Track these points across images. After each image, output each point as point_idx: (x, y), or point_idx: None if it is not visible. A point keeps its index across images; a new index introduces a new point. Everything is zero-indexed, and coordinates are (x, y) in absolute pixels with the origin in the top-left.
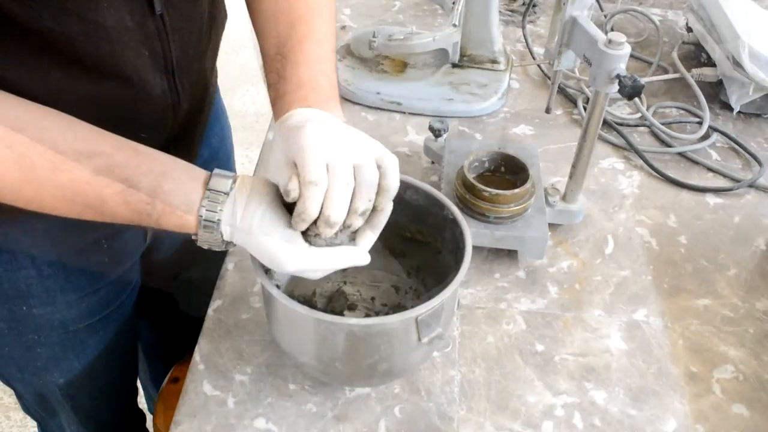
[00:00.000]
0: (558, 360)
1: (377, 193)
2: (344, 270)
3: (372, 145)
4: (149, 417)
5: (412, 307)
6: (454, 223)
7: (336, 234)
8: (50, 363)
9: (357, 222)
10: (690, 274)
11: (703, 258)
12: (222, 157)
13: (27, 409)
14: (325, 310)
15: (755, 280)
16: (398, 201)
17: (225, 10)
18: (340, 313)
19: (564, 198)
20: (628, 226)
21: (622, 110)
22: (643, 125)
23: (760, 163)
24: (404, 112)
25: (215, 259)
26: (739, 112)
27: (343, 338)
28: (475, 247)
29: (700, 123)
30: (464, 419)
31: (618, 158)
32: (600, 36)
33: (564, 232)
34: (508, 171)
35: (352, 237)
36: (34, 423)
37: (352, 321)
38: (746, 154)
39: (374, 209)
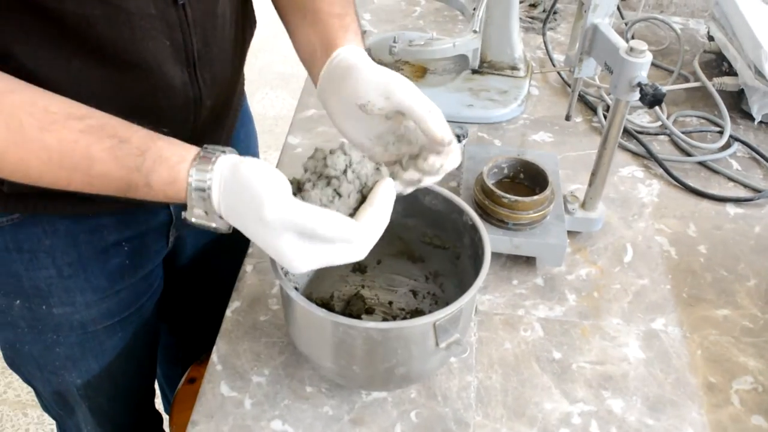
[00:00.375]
0: (575, 368)
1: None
2: (363, 273)
3: None
4: (165, 418)
5: (430, 312)
6: (473, 228)
7: (332, 198)
8: (68, 363)
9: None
10: (709, 283)
11: (723, 268)
12: None
13: (46, 407)
14: (342, 313)
15: None
16: (417, 206)
17: (254, 17)
18: (358, 317)
19: (583, 205)
20: (648, 234)
21: (643, 118)
22: (664, 134)
23: None
24: None
25: (236, 266)
26: (761, 122)
27: (360, 342)
28: (493, 254)
29: (721, 132)
30: (480, 425)
31: (638, 166)
32: (621, 43)
33: (583, 240)
34: (527, 178)
35: (351, 215)
36: (51, 420)
37: (370, 325)
38: (767, 164)
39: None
